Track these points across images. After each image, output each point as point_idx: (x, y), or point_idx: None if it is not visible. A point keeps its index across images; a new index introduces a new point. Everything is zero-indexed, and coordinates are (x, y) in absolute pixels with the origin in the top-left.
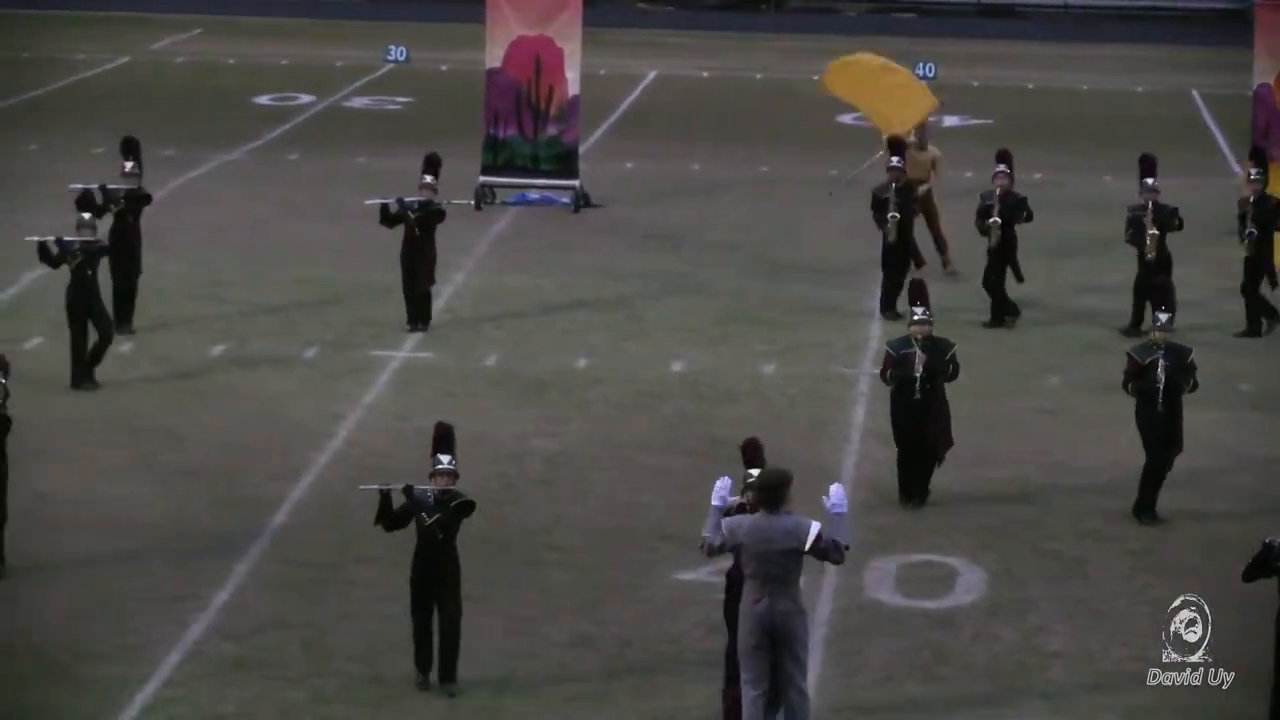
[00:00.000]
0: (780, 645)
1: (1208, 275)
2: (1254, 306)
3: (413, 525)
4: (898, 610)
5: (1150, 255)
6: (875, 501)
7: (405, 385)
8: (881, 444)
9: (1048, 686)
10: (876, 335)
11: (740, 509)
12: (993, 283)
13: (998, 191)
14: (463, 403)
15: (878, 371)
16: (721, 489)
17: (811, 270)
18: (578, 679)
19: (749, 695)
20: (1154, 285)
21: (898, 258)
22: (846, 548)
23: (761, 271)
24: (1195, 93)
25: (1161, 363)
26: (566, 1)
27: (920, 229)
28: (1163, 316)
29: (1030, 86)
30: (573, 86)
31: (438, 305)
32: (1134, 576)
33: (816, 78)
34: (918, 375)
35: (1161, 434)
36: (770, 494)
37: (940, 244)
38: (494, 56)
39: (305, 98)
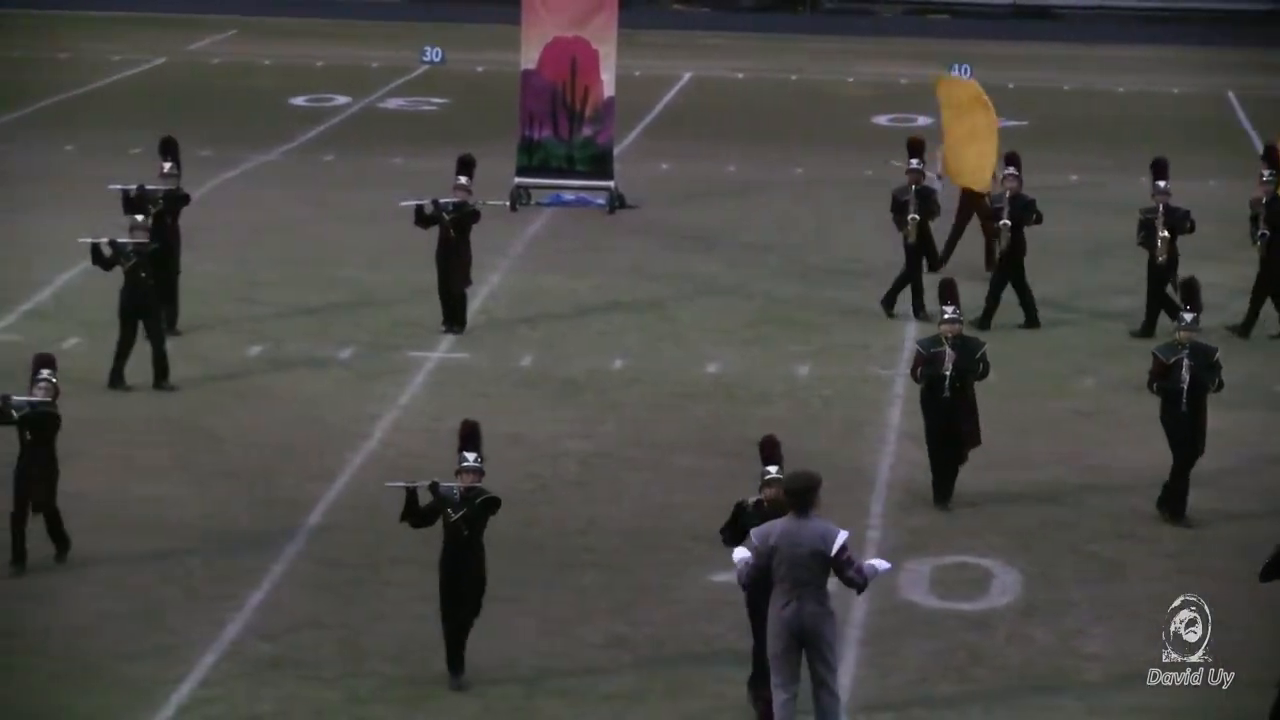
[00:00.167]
0: (809, 647)
1: (1239, 277)
2: (1255, 306)
3: (439, 523)
4: (932, 612)
5: (1161, 258)
6: (910, 503)
7: (440, 386)
8: (917, 446)
9: (1084, 689)
10: (912, 337)
11: (758, 505)
12: (1011, 284)
13: (1006, 194)
14: (497, 404)
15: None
16: (741, 556)
17: (846, 272)
18: (611, 679)
19: (779, 699)
20: (1182, 285)
21: (918, 259)
22: (865, 584)
23: (796, 273)
24: (1231, 94)
25: (1186, 362)
26: (602, 3)
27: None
28: (1188, 316)
29: (1066, 88)
30: (608, 88)
31: (473, 306)
32: (1171, 578)
33: (851, 79)
34: (947, 373)
35: (1186, 433)
36: (800, 497)
37: (990, 250)
38: (529, 58)
39: (341, 99)
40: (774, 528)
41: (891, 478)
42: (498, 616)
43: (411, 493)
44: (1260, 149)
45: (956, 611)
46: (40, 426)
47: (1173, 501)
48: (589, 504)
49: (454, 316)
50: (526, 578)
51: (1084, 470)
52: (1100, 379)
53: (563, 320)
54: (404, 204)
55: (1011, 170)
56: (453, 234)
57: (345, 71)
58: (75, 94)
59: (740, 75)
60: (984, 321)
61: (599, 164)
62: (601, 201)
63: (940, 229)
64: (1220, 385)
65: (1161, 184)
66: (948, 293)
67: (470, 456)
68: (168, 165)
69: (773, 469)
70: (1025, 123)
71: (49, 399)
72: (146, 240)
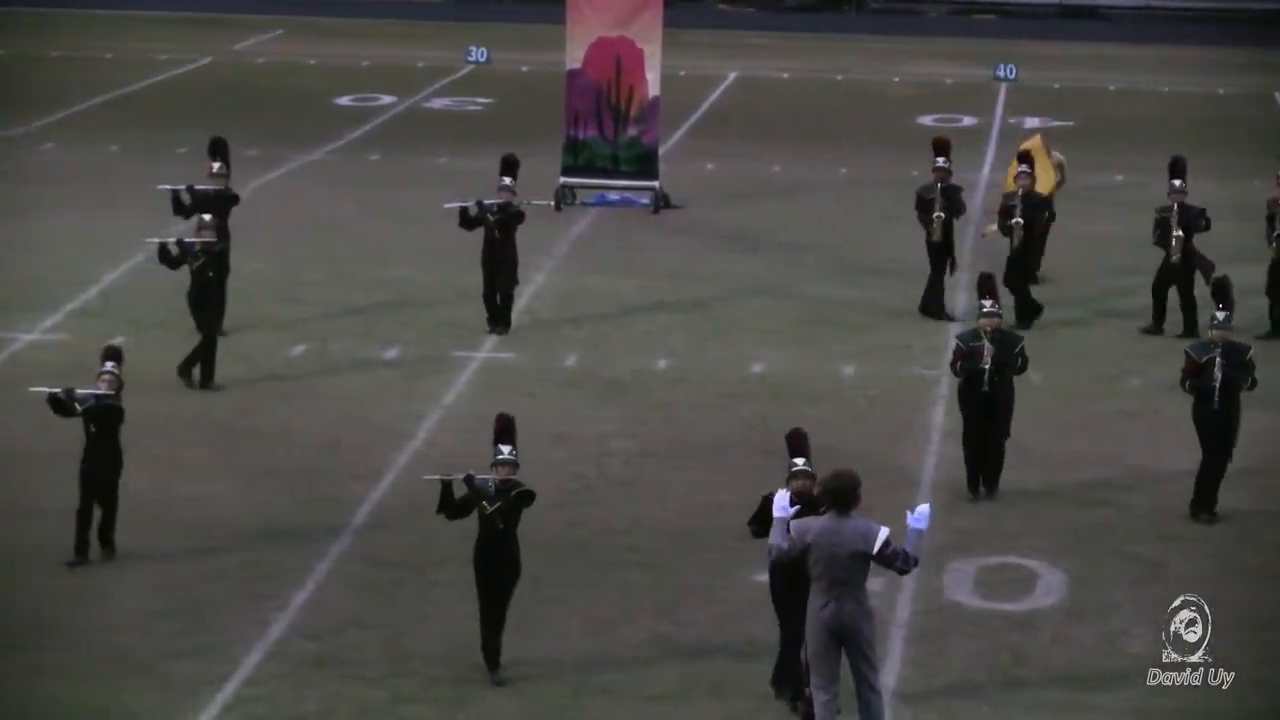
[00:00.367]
0: (849, 645)
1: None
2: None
3: (475, 515)
4: (977, 612)
5: (1175, 257)
6: (954, 503)
7: (485, 386)
8: (961, 446)
9: (1129, 690)
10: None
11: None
12: (1016, 282)
13: (1020, 192)
14: (542, 403)
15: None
16: (782, 499)
17: (890, 272)
18: (655, 680)
19: (820, 699)
20: (1214, 283)
21: (942, 257)
22: (915, 562)
23: (840, 273)
24: (1277, 95)
25: (1219, 360)
26: (647, 2)
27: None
28: (1220, 315)
29: (1111, 88)
30: (653, 87)
31: (518, 306)
32: (1216, 579)
33: (897, 79)
34: (986, 368)
35: (1218, 432)
36: (840, 496)
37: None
38: (574, 57)
39: (386, 98)
40: (812, 525)
41: (936, 478)
42: (542, 616)
43: (447, 485)
44: None
45: (1001, 612)
46: (104, 419)
47: (1202, 497)
48: (633, 504)
49: (499, 317)
50: (571, 577)
51: (1130, 471)
52: (1146, 380)
53: (607, 320)
54: (448, 206)
55: (1024, 168)
56: (498, 235)
57: (391, 71)
58: (120, 94)
59: (785, 75)
60: (1023, 321)
61: (644, 164)
62: (646, 201)
63: (965, 229)
64: (1254, 384)
65: (1177, 183)
66: (987, 287)
67: (505, 449)
68: (216, 165)
69: (800, 461)
70: (1071, 123)
71: (112, 392)
72: (214, 239)
